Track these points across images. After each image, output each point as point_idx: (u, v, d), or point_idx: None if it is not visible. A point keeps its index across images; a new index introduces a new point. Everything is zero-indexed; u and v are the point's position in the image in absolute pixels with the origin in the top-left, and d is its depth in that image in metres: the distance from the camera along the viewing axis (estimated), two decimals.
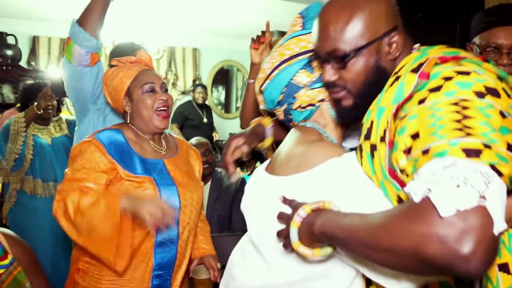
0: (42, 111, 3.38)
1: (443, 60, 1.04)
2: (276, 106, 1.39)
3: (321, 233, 1.04)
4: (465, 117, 0.89)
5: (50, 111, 3.51)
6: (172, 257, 1.87)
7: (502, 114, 0.91)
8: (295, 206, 1.13)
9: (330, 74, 1.19)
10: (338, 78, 1.19)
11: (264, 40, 2.16)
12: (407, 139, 0.96)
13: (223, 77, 8.54)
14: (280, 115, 1.42)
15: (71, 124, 3.70)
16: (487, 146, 0.85)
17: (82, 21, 2.06)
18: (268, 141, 1.66)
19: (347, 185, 1.14)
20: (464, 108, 0.90)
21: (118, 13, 5.88)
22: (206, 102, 7.25)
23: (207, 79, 8.15)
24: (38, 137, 3.51)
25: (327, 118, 1.34)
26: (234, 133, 1.79)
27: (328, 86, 1.23)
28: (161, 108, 1.91)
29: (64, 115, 3.94)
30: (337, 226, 1.01)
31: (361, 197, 1.12)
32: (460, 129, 0.87)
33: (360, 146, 1.16)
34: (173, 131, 6.48)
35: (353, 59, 1.14)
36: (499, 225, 0.79)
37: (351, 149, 1.32)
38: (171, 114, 2.01)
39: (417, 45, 1.23)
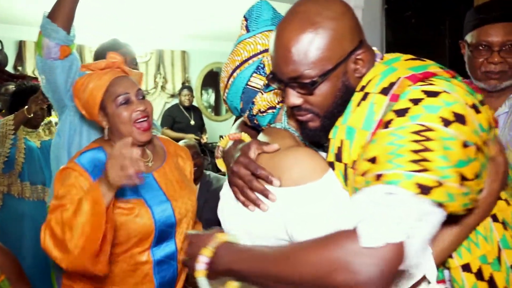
0: (32, 115, 3.35)
1: (416, 81, 1.00)
2: (241, 113, 1.36)
3: (227, 271, 1.07)
4: (426, 149, 0.89)
5: (39, 115, 3.49)
6: (173, 273, 1.76)
7: (465, 145, 0.92)
8: (193, 249, 1.16)
9: (294, 98, 1.10)
10: (303, 102, 1.10)
11: None
12: (365, 163, 0.96)
13: (212, 79, 8.48)
14: (248, 122, 1.38)
15: None
16: (439, 184, 0.88)
17: (51, 13, 2.02)
18: None
19: (334, 203, 1.08)
20: (427, 139, 0.90)
21: (105, 16, 5.83)
22: (196, 105, 7.21)
23: (196, 82, 8.11)
24: (27, 140, 3.53)
25: None
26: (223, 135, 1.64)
27: (293, 108, 1.15)
28: (140, 120, 1.72)
29: (54, 119, 3.91)
30: (246, 263, 1.04)
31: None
32: (417, 162, 0.88)
33: (332, 163, 1.11)
34: (167, 133, 6.45)
35: (321, 84, 1.06)
36: (409, 263, 0.87)
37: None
38: (152, 123, 1.83)
39: (377, 51, 1.17)
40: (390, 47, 3.65)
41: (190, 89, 7.04)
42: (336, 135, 1.08)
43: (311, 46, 1.03)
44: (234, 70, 1.30)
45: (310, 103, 1.10)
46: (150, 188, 1.74)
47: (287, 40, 1.06)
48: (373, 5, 3.77)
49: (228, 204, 1.29)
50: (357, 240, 0.86)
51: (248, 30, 1.32)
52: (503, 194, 1.13)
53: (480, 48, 1.89)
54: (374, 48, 1.18)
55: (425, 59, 1.11)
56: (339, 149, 1.07)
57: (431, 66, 1.07)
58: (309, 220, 1.06)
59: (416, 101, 0.94)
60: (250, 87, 1.29)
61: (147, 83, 7.58)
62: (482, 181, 1.02)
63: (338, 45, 1.04)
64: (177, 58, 7.82)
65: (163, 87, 7.71)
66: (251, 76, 1.28)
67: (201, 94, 8.25)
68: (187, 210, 1.80)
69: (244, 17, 1.34)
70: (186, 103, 6.81)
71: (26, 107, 3.32)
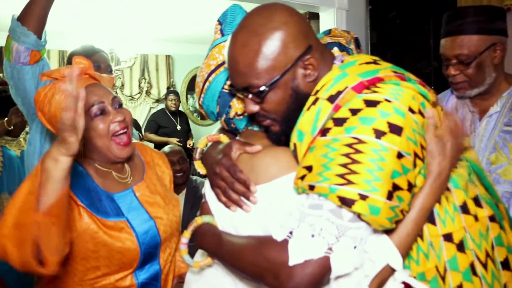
0: (12, 127, 3.27)
1: (361, 89, 1.03)
2: (217, 118, 1.36)
3: (200, 247, 1.28)
4: (354, 161, 0.94)
5: (20, 126, 3.41)
6: None
7: (399, 155, 0.96)
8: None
9: (251, 106, 1.15)
10: (260, 109, 1.15)
11: None
12: (302, 170, 1.03)
13: None
14: (224, 125, 1.38)
15: None
16: (362, 197, 0.93)
17: (21, 16, 1.90)
18: None
19: None
20: (357, 151, 0.95)
21: (88, 21, 5.77)
22: (181, 109, 7.16)
23: (181, 86, 8.07)
24: (6, 149, 3.41)
25: None
26: None
27: (254, 115, 1.19)
28: (120, 132, 1.53)
29: None
30: (211, 246, 1.22)
31: None
32: (343, 175, 0.94)
33: None
34: (150, 137, 6.41)
35: (270, 92, 1.10)
36: (336, 273, 0.97)
37: None
38: (132, 134, 1.63)
39: (337, 53, 1.19)
40: (375, 48, 3.65)
41: (176, 93, 7.00)
42: (292, 138, 1.11)
43: (256, 57, 1.07)
44: (209, 75, 1.30)
45: (266, 110, 1.14)
46: (131, 207, 1.58)
47: (234, 53, 1.11)
48: (357, 6, 3.77)
49: (214, 205, 1.30)
50: (285, 255, 0.97)
51: (222, 34, 1.32)
52: (473, 208, 1.13)
53: (442, 60, 1.94)
54: (335, 49, 1.21)
55: (380, 62, 1.14)
56: (294, 151, 1.11)
57: (382, 70, 1.09)
58: (288, 214, 1.07)
59: (354, 112, 0.99)
60: (226, 91, 1.29)
61: (132, 88, 7.53)
62: (418, 187, 1.06)
63: (282, 53, 1.08)
64: (162, 63, 7.78)
65: (148, 92, 7.65)
66: (227, 79, 1.27)
67: (187, 98, 8.20)
68: (171, 227, 1.66)
69: (218, 21, 1.35)
70: (173, 108, 6.76)
71: (6, 119, 3.25)
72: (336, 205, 0.95)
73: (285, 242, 0.99)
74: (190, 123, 7.31)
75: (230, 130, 1.39)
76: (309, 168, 1.00)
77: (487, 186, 1.20)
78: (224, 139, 1.35)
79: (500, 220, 1.17)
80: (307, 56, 1.10)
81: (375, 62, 1.13)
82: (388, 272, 1.04)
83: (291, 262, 0.96)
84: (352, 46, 1.50)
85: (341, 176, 0.94)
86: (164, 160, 1.88)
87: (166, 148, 3.65)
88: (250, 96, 1.13)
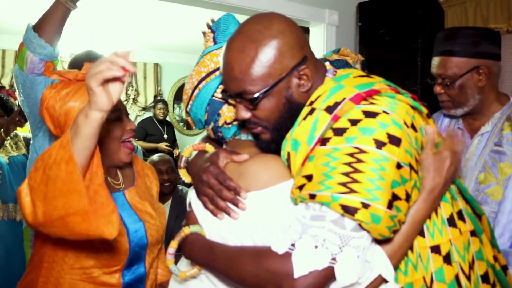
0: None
1: (359, 100, 1.05)
2: (204, 126, 1.36)
3: (189, 257, 1.25)
4: (356, 170, 0.95)
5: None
6: None
7: (398, 165, 0.98)
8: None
9: (243, 112, 1.16)
10: (252, 116, 1.16)
11: None
12: (302, 179, 1.03)
13: None
14: (211, 134, 1.38)
15: (29, 143, 3.52)
16: (364, 206, 0.94)
17: (38, 27, 1.89)
18: None
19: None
20: (358, 161, 0.96)
21: (78, 26, 5.75)
22: (168, 119, 7.15)
23: (168, 95, 8.05)
24: None
25: None
26: None
27: (244, 121, 1.20)
28: (128, 139, 1.65)
29: (21, 132, 3.74)
30: (198, 253, 1.20)
31: None
32: (345, 184, 0.95)
33: None
34: (139, 144, 6.39)
35: (263, 99, 1.11)
36: (341, 283, 0.97)
37: None
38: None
39: (330, 66, 1.21)
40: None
41: (165, 102, 6.98)
42: (285, 147, 1.12)
43: (251, 64, 1.08)
44: (200, 82, 1.30)
45: (257, 117, 1.15)
46: (123, 207, 1.65)
47: (230, 58, 1.11)
48: (347, 23, 3.81)
49: (200, 214, 1.30)
50: (288, 267, 0.97)
51: (215, 42, 1.33)
52: (458, 222, 1.16)
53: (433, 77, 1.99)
54: (327, 63, 1.22)
55: (373, 76, 1.16)
56: (288, 160, 1.11)
57: (377, 83, 1.11)
58: (277, 224, 1.08)
59: (354, 122, 1.00)
60: (216, 99, 1.29)
61: None
62: (413, 200, 1.08)
63: (279, 62, 1.09)
64: (150, 71, 7.75)
65: (134, 100, 7.61)
66: (217, 87, 1.28)
67: (173, 108, 8.19)
68: (158, 233, 1.74)
69: (211, 29, 1.36)
70: (161, 117, 6.75)
71: (3, 129, 3.20)
72: (339, 214, 0.96)
73: (287, 254, 0.99)
74: (176, 132, 7.30)
75: (216, 139, 1.40)
76: (309, 177, 1.01)
77: (469, 199, 1.23)
78: (210, 148, 1.35)
79: (479, 234, 1.20)
80: (302, 66, 1.12)
81: (368, 76, 1.16)
82: (378, 282, 1.06)
83: (296, 274, 0.96)
84: (358, 67, 1.54)
85: (343, 184, 0.95)
86: (153, 172, 1.97)
87: (155, 157, 3.64)
88: (243, 102, 1.14)
